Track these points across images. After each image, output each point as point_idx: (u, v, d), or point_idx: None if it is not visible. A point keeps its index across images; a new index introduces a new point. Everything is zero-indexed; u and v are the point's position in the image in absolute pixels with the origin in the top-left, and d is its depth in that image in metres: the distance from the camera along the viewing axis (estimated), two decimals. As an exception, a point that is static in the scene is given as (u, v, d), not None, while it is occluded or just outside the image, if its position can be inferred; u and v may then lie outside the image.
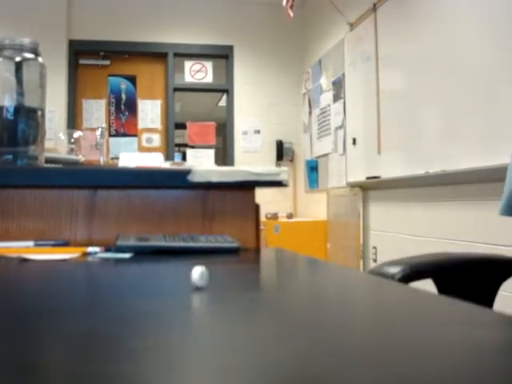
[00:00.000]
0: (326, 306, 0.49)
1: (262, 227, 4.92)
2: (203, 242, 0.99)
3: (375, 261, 4.02)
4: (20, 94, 1.19)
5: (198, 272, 0.58)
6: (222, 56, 5.77)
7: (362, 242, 4.21)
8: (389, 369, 0.29)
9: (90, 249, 0.99)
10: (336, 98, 4.74)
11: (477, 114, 2.68)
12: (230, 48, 5.73)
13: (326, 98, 5.00)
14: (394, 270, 0.85)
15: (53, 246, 1.06)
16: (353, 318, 0.45)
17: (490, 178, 2.58)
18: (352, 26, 4.37)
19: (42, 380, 0.27)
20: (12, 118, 1.19)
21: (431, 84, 3.13)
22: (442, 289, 0.90)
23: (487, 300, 0.93)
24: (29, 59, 1.18)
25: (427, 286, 0.88)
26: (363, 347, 0.35)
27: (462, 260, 0.97)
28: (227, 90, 5.78)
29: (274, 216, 5.15)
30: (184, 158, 5.97)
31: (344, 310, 0.48)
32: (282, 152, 5.70)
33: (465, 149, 2.74)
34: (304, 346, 0.34)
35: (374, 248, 4.04)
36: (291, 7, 4.45)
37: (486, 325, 0.42)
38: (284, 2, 4.42)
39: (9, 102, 1.18)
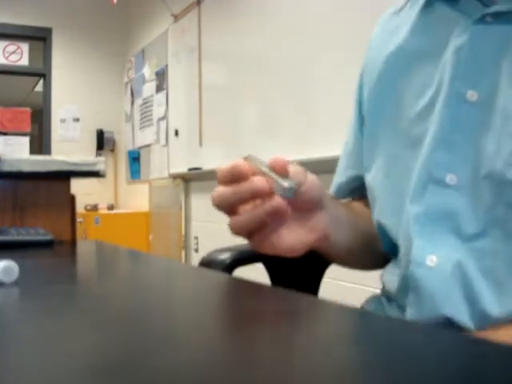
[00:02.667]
0: (140, 298, 0.49)
1: (80, 219, 4.69)
2: (13, 236, 0.93)
3: (197, 251, 4.08)
4: None
5: (3, 266, 0.55)
6: (39, 38, 5.42)
7: (183, 233, 4.25)
8: (197, 355, 0.31)
9: None
10: (159, 88, 4.71)
11: (291, 112, 2.84)
12: (49, 30, 5.41)
13: (149, 88, 4.95)
14: (224, 255, 0.88)
15: None
16: (167, 307, 0.46)
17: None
18: (176, 17, 4.37)
19: None
20: None
21: (252, 80, 3.26)
22: (273, 271, 0.95)
23: (314, 281, 1.00)
24: None
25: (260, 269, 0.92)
26: (173, 335, 0.35)
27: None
28: (44, 75, 5.46)
29: (94, 208, 4.99)
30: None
31: (158, 301, 0.48)
32: (102, 142, 5.52)
33: (280, 143, 2.90)
34: (113, 335, 0.34)
35: (196, 238, 4.11)
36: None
37: (267, 298, 0.45)
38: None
39: None
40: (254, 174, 0.54)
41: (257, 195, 0.53)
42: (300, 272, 0.96)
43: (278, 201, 0.53)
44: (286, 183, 0.52)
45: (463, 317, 0.55)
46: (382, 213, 0.69)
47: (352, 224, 0.71)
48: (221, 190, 0.54)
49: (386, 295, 0.72)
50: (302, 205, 0.58)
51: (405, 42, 0.69)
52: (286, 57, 2.89)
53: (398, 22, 0.73)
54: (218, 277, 0.64)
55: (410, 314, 0.60)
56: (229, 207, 0.55)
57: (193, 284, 0.59)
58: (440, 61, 0.63)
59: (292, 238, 0.58)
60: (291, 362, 0.29)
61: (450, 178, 0.59)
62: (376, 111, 0.72)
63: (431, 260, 0.58)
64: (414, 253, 0.60)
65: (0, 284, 0.55)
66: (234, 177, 0.54)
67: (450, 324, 0.56)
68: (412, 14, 0.70)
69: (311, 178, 0.58)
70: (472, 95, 0.58)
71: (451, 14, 0.63)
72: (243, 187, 0.53)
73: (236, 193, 0.53)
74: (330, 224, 0.63)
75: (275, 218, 0.54)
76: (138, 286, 0.57)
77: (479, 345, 0.33)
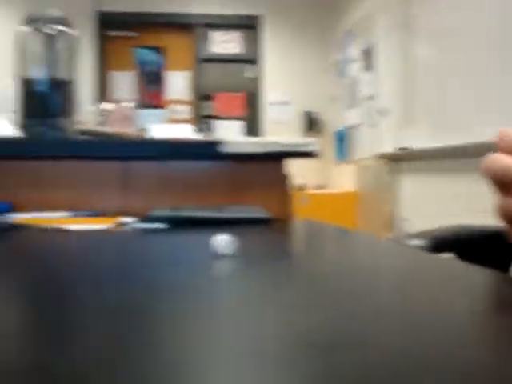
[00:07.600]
0: (356, 275, 0.49)
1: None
2: (235, 213, 0.99)
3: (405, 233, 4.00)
4: (52, 66, 1.20)
5: (223, 240, 0.60)
6: (250, 26, 5.72)
7: (392, 214, 4.18)
8: (415, 332, 0.30)
9: (125, 219, 1.00)
10: (366, 67, 4.67)
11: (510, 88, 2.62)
12: (259, 18, 5.68)
13: (356, 67, 4.93)
14: (417, 242, 0.85)
15: (88, 216, 1.08)
16: (382, 284, 0.45)
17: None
18: (383, -7, 4.27)
19: (67, 352, 0.28)
20: (44, 90, 1.20)
21: (465, 56, 3.07)
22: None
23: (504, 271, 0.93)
24: (60, 31, 1.19)
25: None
26: (396, 314, 0.35)
27: (479, 233, 0.97)
28: (256, 61, 5.74)
29: (302, 187, 5.14)
30: (208, 129, 5.95)
31: (373, 278, 0.48)
32: (310, 123, 5.66)
33: (493, 121, 2.69)
34: (337, 313, 0.35)
35: (405, 220, 4.02)
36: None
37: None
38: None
39: (41, 75, 1.20)
40: None
41: None
42: (490, 260, 0.88)
43: None
44: None
45: None
46: None
47: None
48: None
49: None
50: None
51: None
52: (503, 31, 2.66)
53: None
54: (428, 258, 0.61)
55: None
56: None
57: (404, 264, 0.58)
58: None
59: None
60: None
61: None
62: None
63: None
64: None
65: (222, 256, 0.60)
66: None
67: None
68: None
69: None
70: None
71: None
72: None
73: None
74: None
75: None
76: (352, 264, 0.58)
77: None
